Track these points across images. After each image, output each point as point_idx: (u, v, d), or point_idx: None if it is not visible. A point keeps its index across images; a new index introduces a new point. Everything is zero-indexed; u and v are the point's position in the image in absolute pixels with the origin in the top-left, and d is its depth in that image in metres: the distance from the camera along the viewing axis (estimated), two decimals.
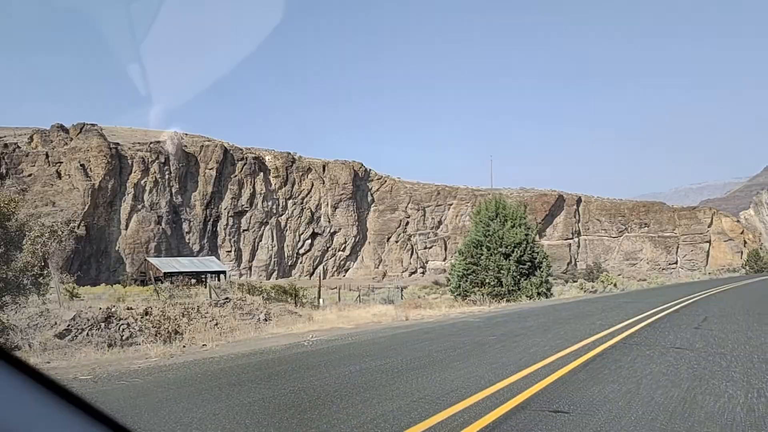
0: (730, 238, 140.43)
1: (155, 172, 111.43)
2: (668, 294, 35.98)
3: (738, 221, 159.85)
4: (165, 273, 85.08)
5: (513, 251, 36.96)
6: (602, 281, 57.00)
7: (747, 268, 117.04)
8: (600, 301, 31.57)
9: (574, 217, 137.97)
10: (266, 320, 24.16)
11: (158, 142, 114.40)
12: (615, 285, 55.91)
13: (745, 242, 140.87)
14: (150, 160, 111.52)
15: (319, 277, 41.70)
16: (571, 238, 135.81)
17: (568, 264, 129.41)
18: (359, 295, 41.06)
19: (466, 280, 37.72)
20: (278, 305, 28.34)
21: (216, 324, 22.31)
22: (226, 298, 26.37)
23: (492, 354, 10.88)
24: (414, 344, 12.76)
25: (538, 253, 38.72)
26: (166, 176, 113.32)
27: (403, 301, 31.68)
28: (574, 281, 74.49)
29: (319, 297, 32.96)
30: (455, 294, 38.28)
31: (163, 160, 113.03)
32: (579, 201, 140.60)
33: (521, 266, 37.01)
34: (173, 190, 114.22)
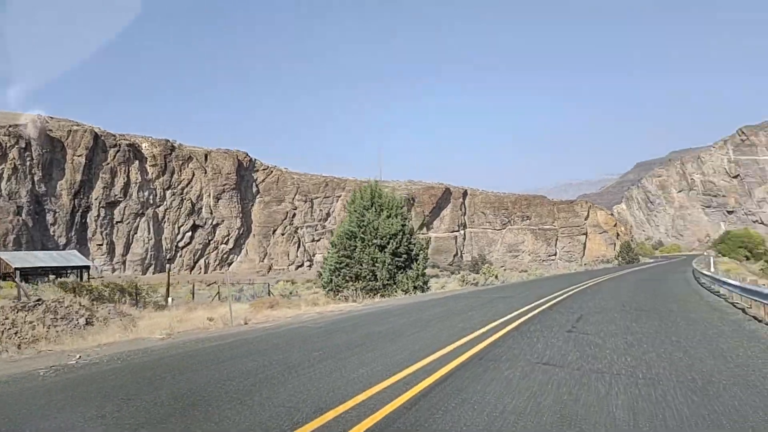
0: (605, 230, 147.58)
1: (14, 159, 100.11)
2: (545, 287, 34.88)
3: (611, 214, 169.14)
4: (16, 268, 76.19)
5: (389, 243, 34.51)
6: (484, 273, 56.06)
7: (620, 259, 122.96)
8: (475, 295, 29.68)
9: (461, 209, 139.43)
10: (87, 325, 20.40)
11: (17, 125, 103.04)
12: (496, 277, 55.19)
13: (617, 234, 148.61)
14: (8, 144, 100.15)
15: (168, 272, 37.36)
16: (458, 231, 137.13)
17: (454, 256, 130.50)
18: (218, 293, 37.06)
19: (339, 275, 34.80)
20: (109, 307, 24.29)
21: (16, 332, 18.36)
22: (38, 300, 22.04)
23: (293, 386, 7.72)
24: (197, 371, 9.30)
25: (414, 245, 36.51)
26: (28, 163, 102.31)
27: (261, 299, 28.21)
28: (459, 273, 73.82)
29: (167, 296, 28.82)
30: (327, 289, 35.32)
31: (23, 146, 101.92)
32: (465, 194, 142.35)
33: (397, 259, 34.63)
34: (36, 179, 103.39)
